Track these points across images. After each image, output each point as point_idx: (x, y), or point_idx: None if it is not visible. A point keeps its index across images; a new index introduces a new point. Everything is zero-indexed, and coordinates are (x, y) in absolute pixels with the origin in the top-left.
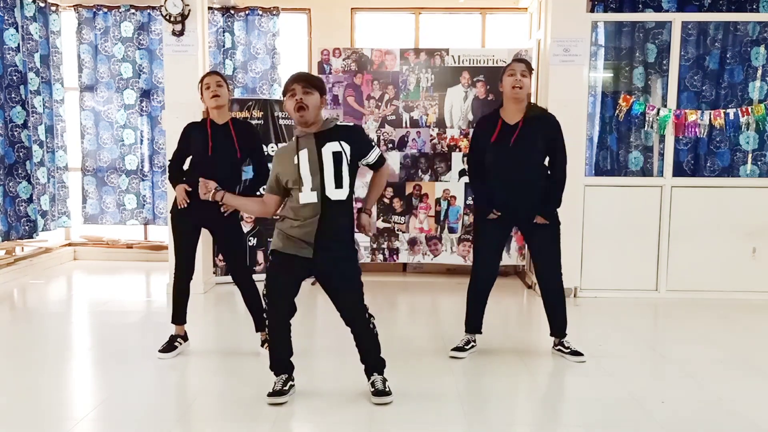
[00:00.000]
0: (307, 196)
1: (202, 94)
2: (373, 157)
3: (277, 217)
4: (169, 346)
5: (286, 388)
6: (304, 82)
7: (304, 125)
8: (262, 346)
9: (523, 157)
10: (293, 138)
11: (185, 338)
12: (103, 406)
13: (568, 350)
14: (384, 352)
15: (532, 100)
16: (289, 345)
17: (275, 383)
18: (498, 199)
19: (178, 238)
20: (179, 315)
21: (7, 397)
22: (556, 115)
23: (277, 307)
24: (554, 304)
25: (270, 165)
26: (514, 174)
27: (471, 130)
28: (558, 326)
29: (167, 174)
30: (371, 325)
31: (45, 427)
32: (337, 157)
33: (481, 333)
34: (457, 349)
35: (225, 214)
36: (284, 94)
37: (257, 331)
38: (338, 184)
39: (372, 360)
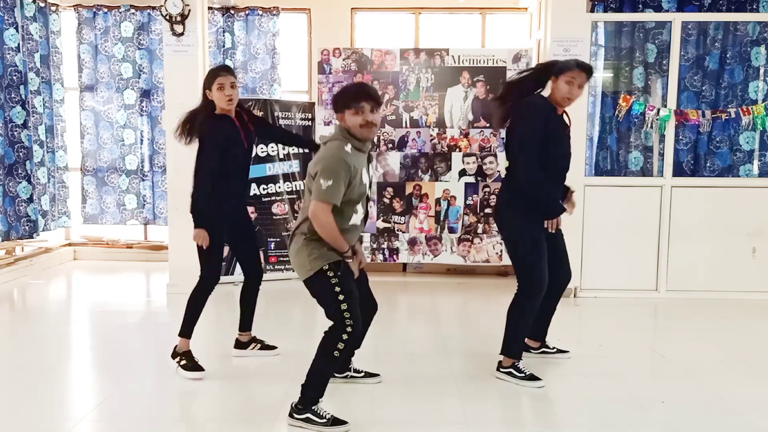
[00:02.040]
0: (358, 217)
1: (210, 89)
2: None
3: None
4: (196, 365)
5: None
6: (375, 102)
7: (366, 143)
8: (246, 347)
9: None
10: (349, 146)
11: None
12: (103, 406)
13: (554, 349)
14: (384, 352)
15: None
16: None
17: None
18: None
19: (215, 249)
20: (193, 328)
21: (7, 397)
22: None
23: (359, 313)
24: (556, 307)
25: (333, 167)
26: (567, 169)
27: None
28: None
29: (205, 194)
30: None
31: (45, 427)
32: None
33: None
34: (534, 378)
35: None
36: (345, 107)
37: (245, 330)
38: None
39: None
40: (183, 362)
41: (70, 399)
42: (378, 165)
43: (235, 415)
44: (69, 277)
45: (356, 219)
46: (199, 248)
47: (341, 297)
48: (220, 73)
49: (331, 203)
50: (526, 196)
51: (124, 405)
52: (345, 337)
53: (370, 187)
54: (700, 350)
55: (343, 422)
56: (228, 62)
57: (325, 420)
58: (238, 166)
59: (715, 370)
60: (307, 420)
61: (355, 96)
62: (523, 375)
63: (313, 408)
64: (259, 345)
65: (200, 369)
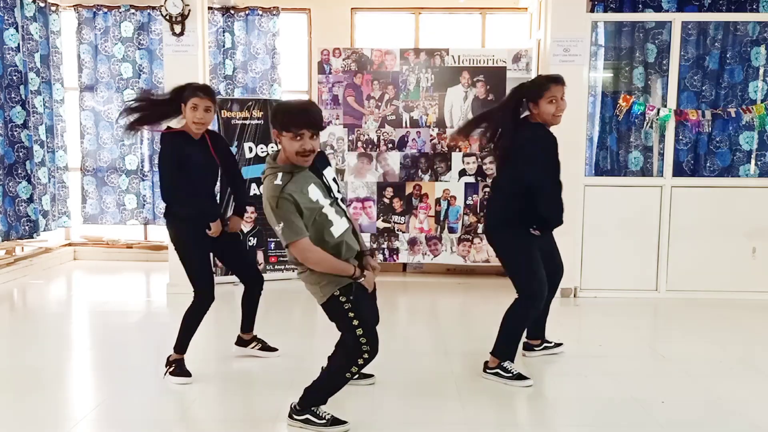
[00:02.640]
0: (340, 225)
1: (185, 103)
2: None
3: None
4: (184, 370)
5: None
6: (316, 128)
7: (304, 165)
8: (247, 345)
9: None
10: (279, 177)
11: None
12: (103, 406)
13: (552, 344)
14: (384, 352)
15: None
16: None
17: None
18: None
19: (200, 259)
20: (188, 344)
21: (8, 396)
22: None
23: (376, 336)
24: (551, 303)
25: (274, 211)
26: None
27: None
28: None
29: (180, 205)
30: None
31: (45, 427)
32: (335, 180)
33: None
34: (521, 377)
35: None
36: (285, 129)
37: (249, 331)
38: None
39: None
40: (172, 368)
41: (70, 399)
42: (378, 165)
43: (234, 415)
44: (69, 277)
45: (339, 227)
46: (186, 267)
47: (356, 322)
48: (198, 93)
49: (300, 238)
50: (543, 213)
51: (124, 405)
52: (361, 361)
53: (338, 190)
54: (700, 350)
55: (342, 422)
56: (228, 62)
57: (324, 420)
58: (197, 184)
59: (715, 370)
60: (306, 421)
61: (296, 120)
62: (510, 375)
63: (312, 409)
64: (259, 345)
65: (188, 375)
